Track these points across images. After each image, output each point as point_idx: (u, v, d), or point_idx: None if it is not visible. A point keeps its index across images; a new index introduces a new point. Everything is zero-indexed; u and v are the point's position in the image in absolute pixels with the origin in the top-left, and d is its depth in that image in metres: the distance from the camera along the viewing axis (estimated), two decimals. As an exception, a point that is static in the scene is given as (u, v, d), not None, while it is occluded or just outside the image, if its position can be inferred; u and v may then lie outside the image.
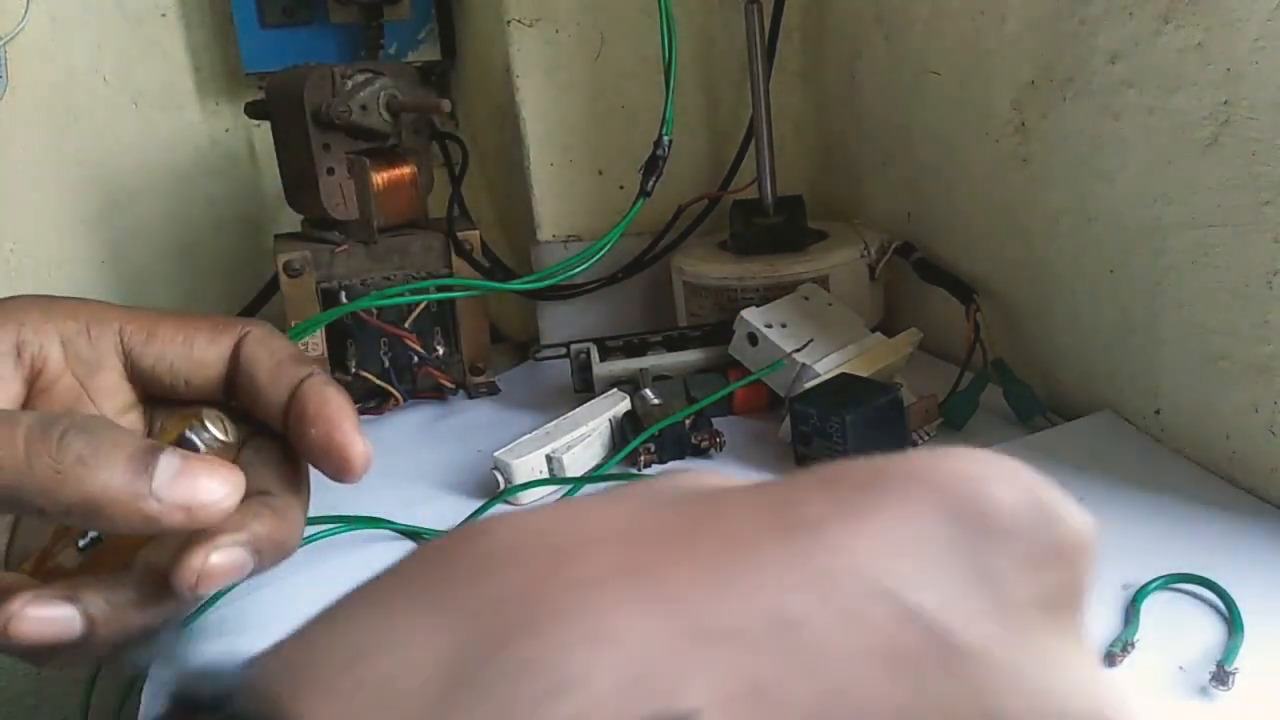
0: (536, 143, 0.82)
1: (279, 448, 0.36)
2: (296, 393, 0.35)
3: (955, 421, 0.60)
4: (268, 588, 0.49)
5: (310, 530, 0.51)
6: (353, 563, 0.53)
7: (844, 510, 0.17)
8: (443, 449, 0.67)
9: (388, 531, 0.55)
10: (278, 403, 0.35)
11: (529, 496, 0.58)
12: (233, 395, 0.37)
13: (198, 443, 0.33)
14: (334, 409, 0.34)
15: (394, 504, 0.57)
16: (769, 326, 0.63)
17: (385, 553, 0.54)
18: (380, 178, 0.71)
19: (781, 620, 0.16)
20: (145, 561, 0.33)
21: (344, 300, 0.70)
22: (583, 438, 0.60)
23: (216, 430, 0.33)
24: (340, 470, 0.34)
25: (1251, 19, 0.45)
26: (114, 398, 0.37)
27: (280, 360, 0.36)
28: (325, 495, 0.39)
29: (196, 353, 0.36)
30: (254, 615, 0.46)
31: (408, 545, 0.54)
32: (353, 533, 0.55)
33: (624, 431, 0.62)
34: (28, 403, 0.35)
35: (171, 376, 0.37)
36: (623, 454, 0.59)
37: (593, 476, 0.59)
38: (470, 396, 0.75)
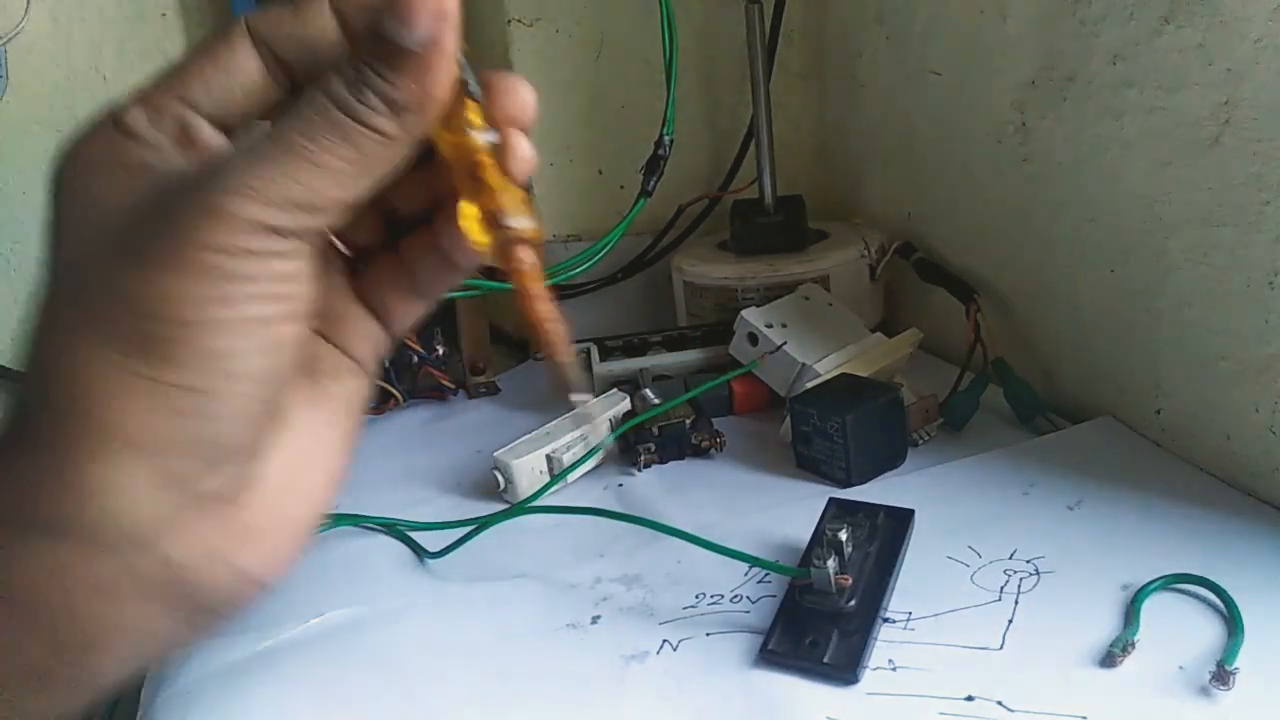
0: (536, 143, 0.82)
1: None
2: None
3: (955, 421, 0.60)
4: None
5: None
6: (340, 559, 0.53)
7: None
8: (443, 449, 0.67)
9: (374, 528, 0.56)
10: None
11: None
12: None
13: None
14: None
15: (394, 504, 0.57)
16: (769, 326, 0.63)
17: (370, 549, 0.54)
18: (380, 177, 0.70)
19: None
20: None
21: (344, 300, 0.70)
22: (583, 438, 0.60)
23: None
24: None
25: (1252, 19, 0.45)
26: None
27: None
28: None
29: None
30: (252, 617, 0.46)
31: (390, 541, 0.54)
32: (337, 529, 0.56)
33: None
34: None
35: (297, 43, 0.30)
36: (611, 437, 0.59)
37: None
38: (470, 396, 0.75)
